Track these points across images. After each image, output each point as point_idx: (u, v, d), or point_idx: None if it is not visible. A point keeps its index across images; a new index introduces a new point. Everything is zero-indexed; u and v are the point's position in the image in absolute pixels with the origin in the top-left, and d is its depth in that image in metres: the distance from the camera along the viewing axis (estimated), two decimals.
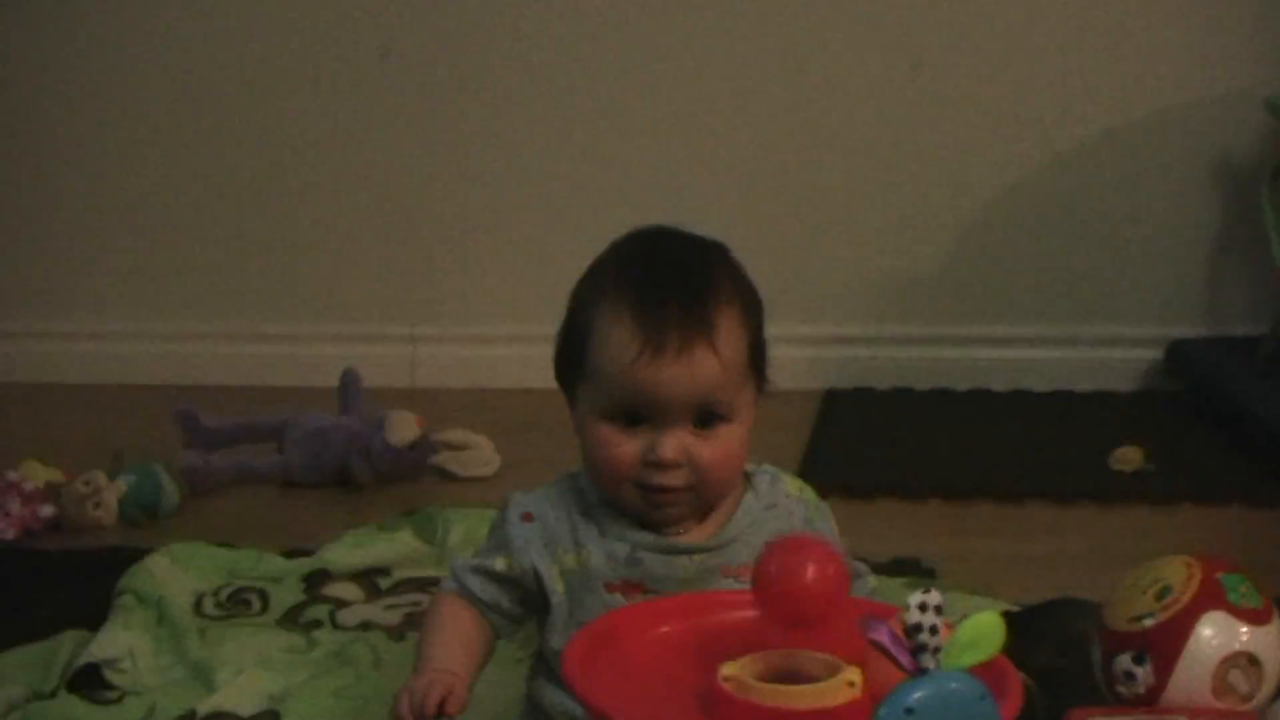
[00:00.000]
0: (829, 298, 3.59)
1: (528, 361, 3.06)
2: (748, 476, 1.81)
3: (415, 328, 3.65)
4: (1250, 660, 1.89)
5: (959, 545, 2.64)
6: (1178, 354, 3.43)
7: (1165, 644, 1.89)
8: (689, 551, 1.73)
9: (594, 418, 1.72)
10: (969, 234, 3.55)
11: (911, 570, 2.45)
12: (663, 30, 3.53)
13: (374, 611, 2.37)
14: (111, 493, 2.76)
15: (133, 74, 3.63)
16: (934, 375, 3.55)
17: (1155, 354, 3.49)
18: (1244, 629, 1.89)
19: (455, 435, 3.03)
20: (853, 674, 1.23)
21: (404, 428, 2.94)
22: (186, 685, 2.13)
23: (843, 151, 3.54)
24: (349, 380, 3.08)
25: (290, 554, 2.55)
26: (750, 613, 1.40)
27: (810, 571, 1.27)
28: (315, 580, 2.47)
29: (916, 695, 1.13)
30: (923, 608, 1.16)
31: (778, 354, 3.43)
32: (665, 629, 1.40)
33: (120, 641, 2.20)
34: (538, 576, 1.74)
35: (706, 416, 1.70)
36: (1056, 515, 2.82)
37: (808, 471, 2.90)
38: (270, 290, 3.69)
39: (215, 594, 2.42)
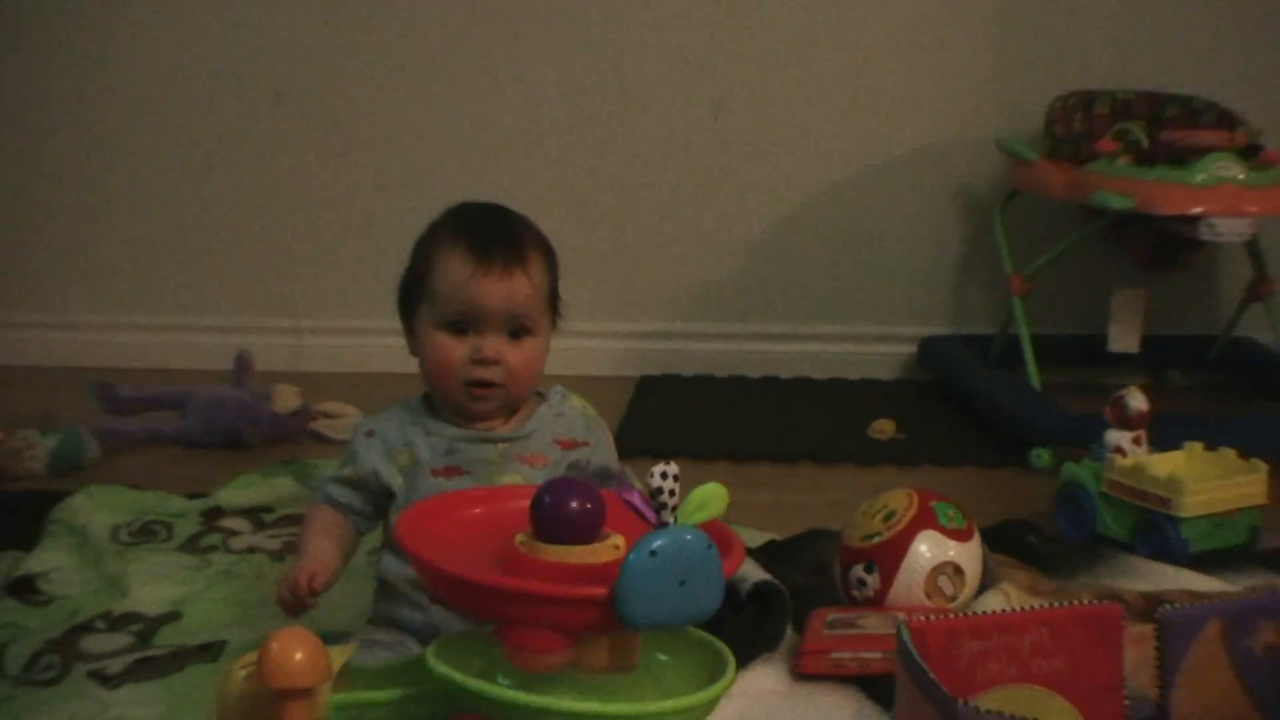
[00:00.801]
0: (644, 299, 3.68)
1: (389, 350, 3.15)
2: (542, 394, 2.00)
3: (299, 320, 3.71)
4: (955, 569, 2.06)
5: (739, 496, 2.53)
6: (928, 349, 3.55)
7: (889, 556, 2.05)
8: (494, 440, 1.93)
9: (432, 329, 1.91)
10: (760, 247, 3.63)
11: None
12: (509, 71, 3.60)
13: (259, 540, 2.46)
14: (41, 448, 2.81)
15: (58, 87, 3.66)
16: (731, 365, 3.63)
17: (910, 349, 3.60)
18: (951, 545, 2.06)
19: (330, 406, 3.12)
20: (618, 539, 1.38)
21: (287, 398, 3.03)
22: (104, 593, 2.21)
23: (655, 177, 3.62)
24: (241, 360, 3.15)
25: (190, 496, 2.63)
26: None
27: (574, 505, 1.39)
28: (211, 515, 2.56)
29: (658, 542, 1.28)
30: (664, 475, 1.32)
31: (600, 346, 3.60)
32: (476, 511, 1.55)
33: (50, 559, 2.30)
34: (377, 475, 1.93)
35: (517, 329, 1.90)
36: (821, 474, 2.91)
37: (620, 438, 2.98)
38: (177, 288, 3.73)
39: (129, 525, 2.49)
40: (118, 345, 3.69)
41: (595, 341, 3.61)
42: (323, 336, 3.69)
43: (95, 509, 2.51)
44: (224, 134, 3.66)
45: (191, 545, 2.44)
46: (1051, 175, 3.20)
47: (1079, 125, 3.29)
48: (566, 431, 1.97)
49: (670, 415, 3.31)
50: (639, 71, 3.60)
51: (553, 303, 1.98)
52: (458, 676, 1.36)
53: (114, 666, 1.97)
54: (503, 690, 1.36)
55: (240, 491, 2.65)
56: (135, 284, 3.74)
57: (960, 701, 1.37)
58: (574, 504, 1.37)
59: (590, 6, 3.59)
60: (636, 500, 1.31)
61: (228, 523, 2.54)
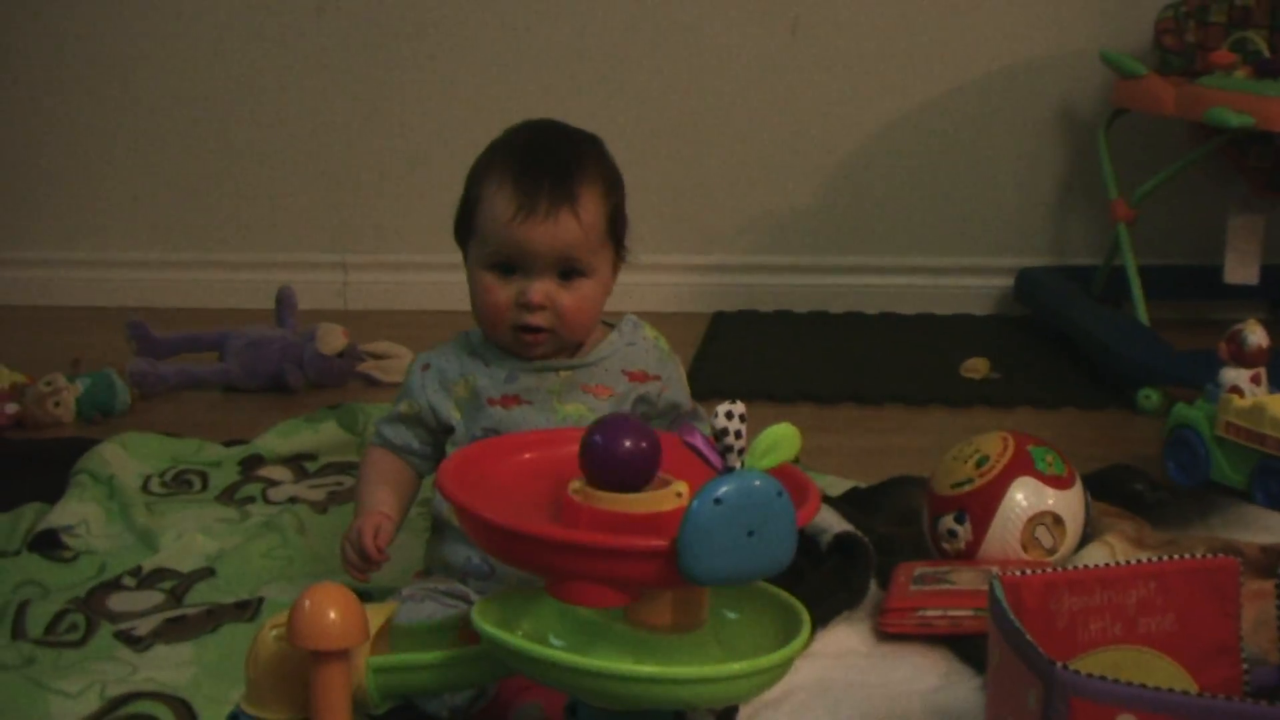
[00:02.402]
0: (718, 230, 3.66)
1: (443, 286, 3.14)
2: (611, 323, 1.97)
3: (346, 255, 3.71)
4: (1054, 519, 2.01)
5: (823, 440, 2.70)
6: (1025, 281, 3.51)
7: (981, 505, 2.01)
8: (555, 369, 1.90)
9: (479, 268, 1.89)
10: (843, 176, 3.61)
11: None
12: None
13: (301, 490, 2.45)
14: (70, 393, 2.81)
15: (95, 18, 3.67)
16: (812, 300, 3.62)
17: (1006, 282, 3.57)
18: (1049, 492, 2.01)
19: (379, 346, 3.11)
20: (680, 486, 1.33)
21: (332, 339, 3.01)
22: (133, 548, 2.20)
23: (729, 103, 3.59)
24: (284, 297, 3.14)
25: (229, 444, 2.61)
26: None
27: (627, 444, 1.35)
28: (250, 464, 2.55)
29: (724, 489, 1.24)
30: (729, 415, 1.27)
31: (671, 280, 3.58)
32: (527, 456, 1.51)
33: (75, 511, 2.28)
34: (434, 410, 1.91)
35: (568, 270, 1.87)
36: (910, 416, 2.89)
37: (693, 378, 2.99)
38: (215, 222, 3.74)
39: (161, 475, 2.49)
40: (154, 283, 3.71)
41: (666, 275, 3.60)
42: (372, 272, 3.69)
43: (126, 458, 2.50)
44: (263, 54, 3.67)
45: (228, 496, 2.44)
46: (1161, 91, 3.14)
47: (1191, 36, 3.24)
48: (637, 362, 1.95)
49: (746, 354, 3.30)
50: None
51: (615, 233, 1.94)
52: (505, 637, 1.33)
53: (143, 627, 1.96)
54: (554, 652, 1.32)
55: (282, 438, 2.63)
56: (172, 218, 3.75)
57: (1058, 665, 1.33)
58: (626, 444, 1.33)
59: None
60: (699, 443, 1.27)
61: (268, 471, 2.53)
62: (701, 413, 2.01)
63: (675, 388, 1.98)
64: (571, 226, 1.85)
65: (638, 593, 1.34)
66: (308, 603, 1.36)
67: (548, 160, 1.88)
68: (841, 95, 3.58)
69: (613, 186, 1.93)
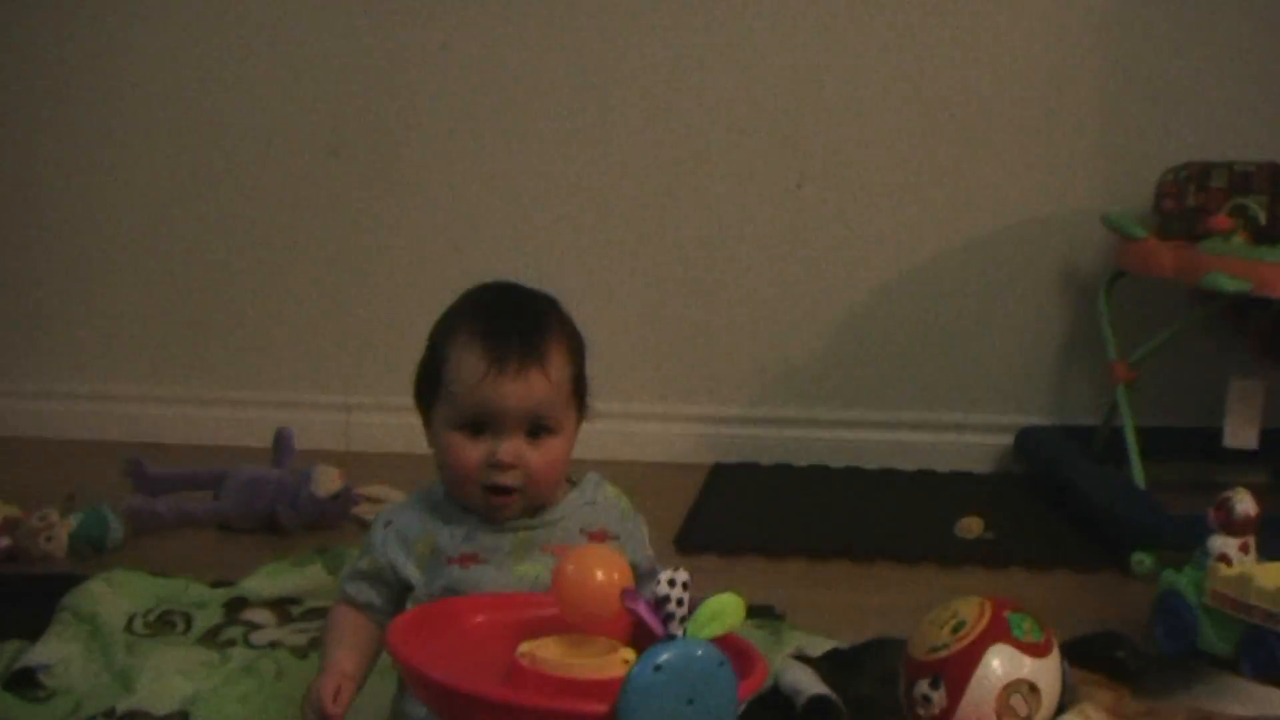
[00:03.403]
0: (719, 381, 3.64)
1: None
2: (574, 481, 1.98)
3: (349, 396, 3.70)
4: (1030, 688, 1.98)
5: (812, 596, 2.69)
6: (1025, 440, 3.50)
7: (957, 671, 1.98)
8: (514, 529, 1.90)
9: (447, 429, 1.90)
10: (846, 330, 3.60)
11: (763, 614, 2.49)
12: (578, 141, 3.60)
13: (283, 634, 2.42)
14: (62, 528, 2.80)
15: (106, 150, 3.70)
16: (812, 453, 3.59)
17: (1006, 439, 3.55)
18: (1026, 660, 1.98)
19: (374, 490, 3.11)
20: (628, 653, 1.33)
21: (327, 481, 3.01)
22: (110, 687, 2.18)
23: (735, 255, 3.60)
24: (282, 437, 3.15)
25: (216, 584, 2.60)
26: (554, 610, 1.50)
27: (599, 575, 1.35)
28: (234, 606, 2.52)
29: (664, 656, 1.24)
30: (671, 583, 1.27)
31: (671, 430, 3.58)
32: (479, 619, 1.51)
33: (54, 650, 2.26)
34: (394, 568, 1.91)
35: (536, 428, 1.88)
36: (902, 574, 2.86)
37: (687, 530, 3.00)
38: (218, 359, 3.74)
39: (145, 615, 2.46)
40: (154, 418, 3.70)
41: (666, 426, 3.60)
42: (373, 414, 3.69)
43: (112, 595, 2.48)
44: (273, 192, 3.68)
45: (210, 638, 2.41)
46: (1161, 254, 3.15)
47: (1192, 200, 3.24)
48: (597, 521, 1.95)
49: (743, 507, 3.28)
50: (719, 140, 3.59)
51: (578, 393, 1.95)
52: None
53: None
54: None
55: (268, 580, 2.62)
56: (173, 353, 3.76)
57: None
58: (600, 574, 1.33)
59: (672, 74, 3.59)
60: (641, 609, 1.27)
61: (251, 614, 2.51)
62: (661, 573, 2.00)
63: (634, 546, 1.96)
64: (541, 384, 1.87)
65: None
66: None
67: (515, 319, 1.91)
68: (845, 251, 3.58)
69: (576, 345, 1.96)
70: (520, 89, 3.63)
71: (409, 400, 3.57)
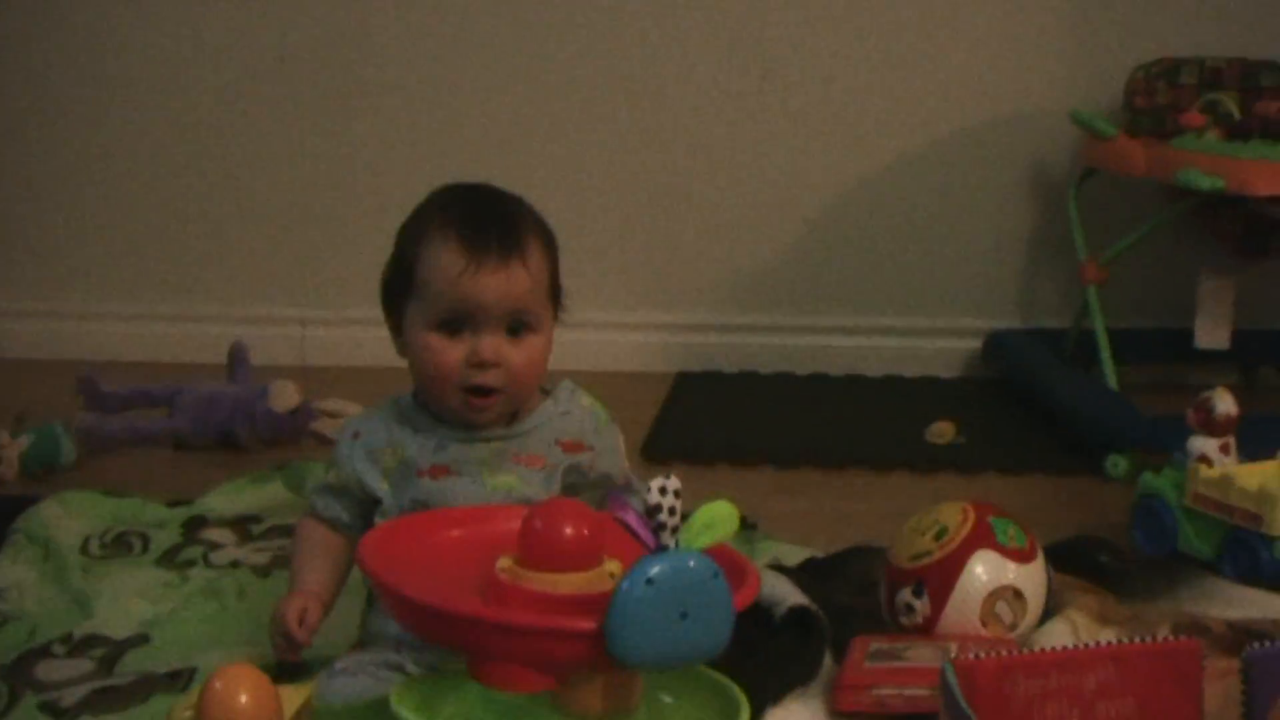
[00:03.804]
0: (682, 288, 3.60)
1: None
2: (547, 390, 1.91)
3: (304, 310, 3.65)
4: (1015, 594, 1.95)
5: (783, 505, 2.65)
6: (994, 344, 3.46)
7: (940, 579, 1.95)
8: (486, 439, 1.84)
9: (423, 329, 1.83)
10: (810, 234, 3.56)
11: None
12: (538, 38, 3.54)
13: (244, 553, 2.37)
14: (13, 449, 2.74)
15: (55, 71, 3.62)
16: (777, 360, 3.56)
17: (974, 344, 3.51)
18: (1010, 566, 1.95)
19: (332, 404, 3.03)
20: (614, 565, 1.27)
21: (285, 396, 2.95)
22: (66, 612, 2.13)
23: (696, 154, 3.55)
24: (237, 351, 3.08)
25: (173, 504, 2.55)
26: None
27: (568, 530, 1.29)
28: (193, 525, 2.47)
29: (656, 569, 1.18)
30: (662, 490, 1.21)
31: (634, 339, 3.54)
32: (455, 533, 1.44)
33: (7, 574, 2.21)
34: (361, 482, 1.85)
35: (517, 325, 1.82)
36: (873, 481, 2.83)
37: (654, 439, 2.96)
38: (170, 275, 3.68)
39: (101, 536, 2.41)
40: (105, 335, 3.64)
41: (629, 334, 3.56)
42: (329, 328, 3.64)
43: (65, 517, 2.43)
44: (221, 102, 3.61)
45: (169, 559, 2.36)
46: (1132, 152, 3.11)
47: (1162, 97, 3.20)
48: (570, 431, 1.89)
49: (709, 415, 3.24)
50: (679, 34, 3.53)
51: (554, 293, 1.89)
52: None
53: (69, 697, 1.87)
54: None
55: (227, 498, 2.57)
56: (125, 269, 3.69)
57: None
58: (568, 530, 1.26)
59: None
60: (632, 519, 1.20)
61: (211, 533, 2.46)
62: (637, 485, 1.93)
63: (609, 458, 1.92)
64: (522, 277, 1.81)
65: (566, 676, 1.28)
66: (217, 684, 1.29)
67: (491, 212, 1.85)
68: (809, 152, 3.53)
69: (552, 244, 1.89)
70: None
71: (365, 313, 3.51)
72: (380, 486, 1.84)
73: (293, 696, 1.36)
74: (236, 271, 3.67)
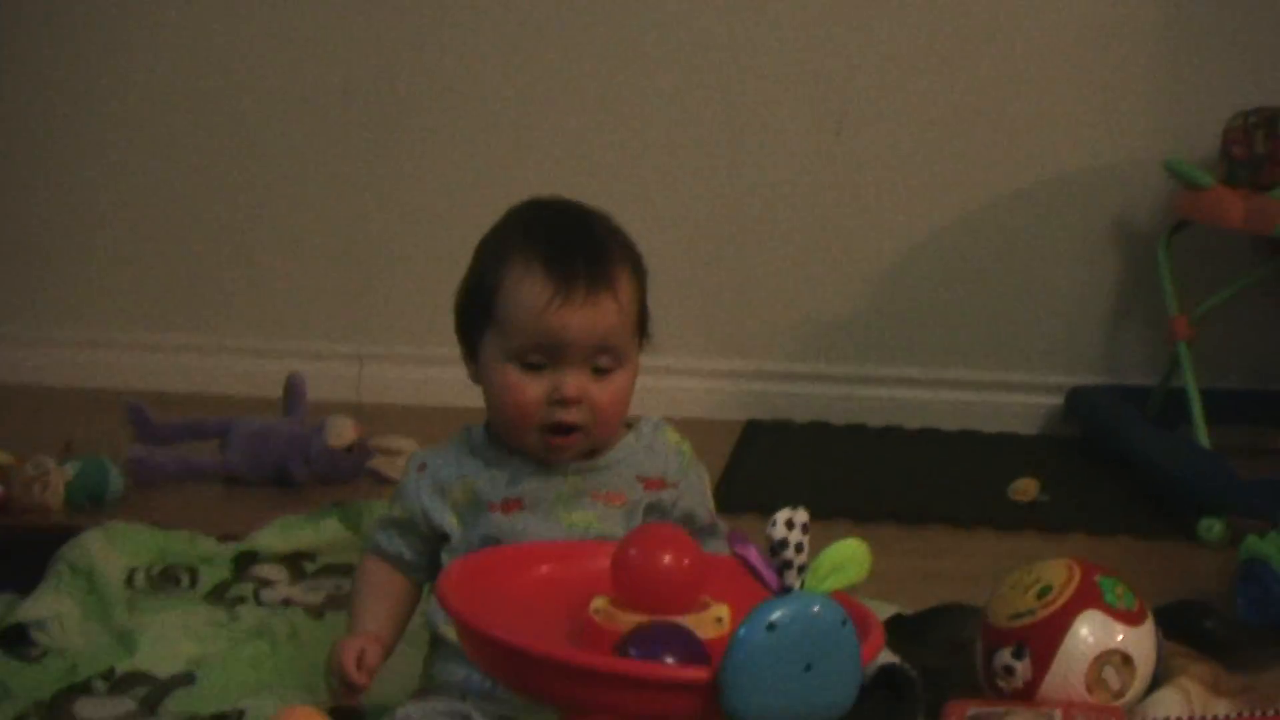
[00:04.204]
0: (753, 335, 3.51)
1: (464, 381, 3.00)
2: (629, 424, 1.81)
3: (362, 346, 3.56)
4: (1123, 659, 1.85)
5: None
6: (1077, 400, 3.35)
7: (1044, 640, 1.84)
8: (563, 473, 1.73)
9: (501, 363, 1.72)
10: (886, 283, 3.47)
11: None
12: (605, 85, 3.47)
13: (297, 592, 2.28)
14: (58, 477, 2.65)
15: (112, 96, 3.56)
16: (850, 412, 3.45)
17: (1056, 400, 3.40)
18: (1119, 628, 1.85)
19: (390, 441, 2.94)
20: (721, 610, 1.14)
21: (342, 432, 2.86)
22: (109, 648, 2.04)
23: (771, 204, 3.46)
24: (293, 385, 2.99)
25: (223, 539, 2.44)
26: None
27: (667, 560, 1.16)
28: (243, 561, 2.38)
29: (778, 613, 1.04)
30: (789, 524, 1.08)
31: (702, 386, 3.44)
32: (544, 569, 1.30)
33: (49, 606, 2.11)
34: (427, 516, 1.74)
35: (601, 363, 1.71)
36: (956, 539, 2.73)
37: (724, 488, 2.85)
38: (226, 306, 3.60)
39: (147, 570, 2.31)
40: (158, 367, 3.55)
41: (697, 381, 3.45)
42: (388, 365, 3.55)
43: (111, 549, 2.32)
44: (284, 133, 3.54)
45: (218, 596, 2.26)
46: (1228, 203, 2.99)
47: (1261, 147, 3.07)
48: (654, 468, 1.77)
49: (781, 465, 3.15)
50: (755, 82, 3.44)
51: (642, 323, 1.78)
52: None
53: None
54: None
55: (280, 535, 2.45)
56: (181, 300, 3.61)
57: None
58: (667, 558, 1.13)
59: (706, 12, 3.45)
60: (753, 557, 1.07)
61: (262, 570, 2.36)
62: (723, 529, 1.81)
63: (693, 497, 1.80)
64: (611, 311, 1.70)
65: None
66: None
67: (579, 239, 1.73)
68: (887, 199, 3.44)
69: (640, 268, 1.78)
70: (544, 27, 3.48)
71: (424, 350, 3.46)
72: (448, 521, 1.73)
73: None
74: (292, 304, 3.59)
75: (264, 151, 3.55)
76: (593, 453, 1.75)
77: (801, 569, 1.08)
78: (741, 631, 1.04)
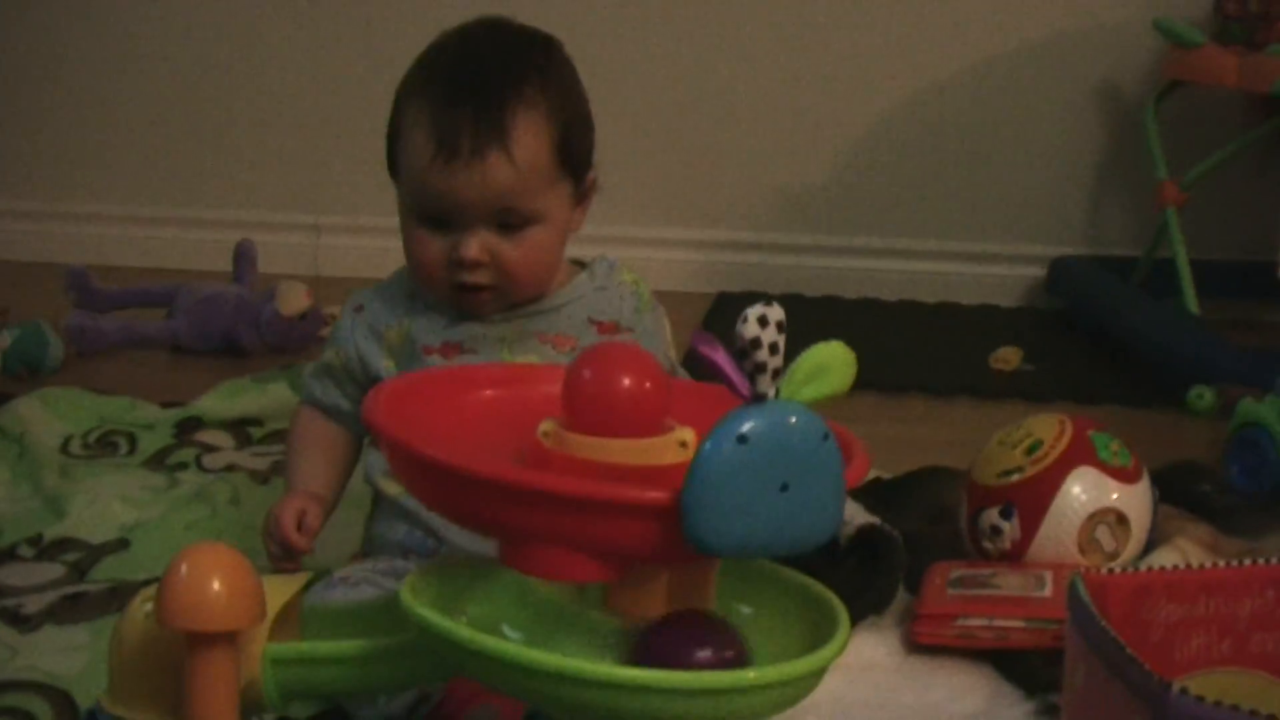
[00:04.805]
0: (723, 204, 3.39)
1: None
2: (584, 263, 1.69)
3: (319, 217, 3.44)
4: (1118, 518, 1.75)
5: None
6: (1059, 271, 3.23)
7: (1033, 498, 1.75)
8: (507, 319, 1.61)
9: (407, 215, 1.61)
10: (862, 150, 3.34)
11: None
12: None
13: (242, 457, 2.18)
14: None
15: None
16: (824, 283, 3.34)
17: (1038, 271, 3.29)
18: (1113, 486, 1.76)
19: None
20: (685, 433, 1.00)
21: (294, 299, 2.73)
22: (37, 514, 1.94)
23: (743, 69, 3.33)
24: (243, 251, 2.87)
25: (166, 405, 2.34)
26: None
27: (625, 381, 1.02)
28: (186, 427, 2.27)
29: (750, 424, 0.90)
30: (762, 322, 0.93)
31: (671, 257, 3.31)
32: (486, 393, 1.16)
33: None
34: (363, 361, 1.63)
35: (509, 219, 1.56)
36: (935, 407, 2.64)
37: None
38: (177, 176, 3.46)
39: (84, 436, 2.22)
40: (103, 239, 3.42)
41: (666, 252, 3.32)
42: (344, 235, 3.41)
43: (46, 415, 2.24)
44: None
45: (158, 461, 2.16)
46: (1221, 61, 2.86)
47: (1255, 4, 2.94)
48: (607, 311, 1.65)
49: None
50: None
51: (570, 162, 1.60)
52: (443, 624, 0.99)
53: (33, 604, 1.69)
54: (508, 646, 0.98)
55: (225, 400, 2.35)
56: (126, 170, 3.47)
57: (1174, 686, 1.01)
58: (625, 380, 0.99)
59: None
60: (720, 358, 0.93)
61: (206, 436, 2.25)
62: (682, 374, 1.70)
63: (652, 342, 1.66)
64: (502, 169, 1.53)
65: (623, 569, 1.00)
66: (183, 568, 1.01)
67: (473, 84, 1.56)
68: (862, 62, 3.30)
69: (563, 104, 1.60)
70: None
71: (384, 221, 3.29)
72: (384, 365, 1.61)
73: (280, 589, 1.09)
74: (246, 175, 3.45)
75: (217, 16, 3.40)
76: (538, 297, 1.63)
77: (777, 373, 0.94)
78: (707, 446, 0.90)
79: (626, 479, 0.98)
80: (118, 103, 3.44)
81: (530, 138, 1.54)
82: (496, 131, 1.53)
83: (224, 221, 3.38)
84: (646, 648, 1.00)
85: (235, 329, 2.71)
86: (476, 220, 1.54)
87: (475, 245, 1.55)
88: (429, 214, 1.57)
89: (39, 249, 3.40)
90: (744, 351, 0.94)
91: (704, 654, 0.99)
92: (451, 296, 1.59)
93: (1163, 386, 2.66)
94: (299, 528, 1.55)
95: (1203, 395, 2.58)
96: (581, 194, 1.63)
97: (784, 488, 0.92)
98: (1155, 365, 2.74)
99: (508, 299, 1.60)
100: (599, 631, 1.03)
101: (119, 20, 3.40)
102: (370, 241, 3.33)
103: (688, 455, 0.98)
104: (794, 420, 0.93)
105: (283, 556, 1.55)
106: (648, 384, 1.02)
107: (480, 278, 1.56)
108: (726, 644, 1.02)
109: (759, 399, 0.93)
